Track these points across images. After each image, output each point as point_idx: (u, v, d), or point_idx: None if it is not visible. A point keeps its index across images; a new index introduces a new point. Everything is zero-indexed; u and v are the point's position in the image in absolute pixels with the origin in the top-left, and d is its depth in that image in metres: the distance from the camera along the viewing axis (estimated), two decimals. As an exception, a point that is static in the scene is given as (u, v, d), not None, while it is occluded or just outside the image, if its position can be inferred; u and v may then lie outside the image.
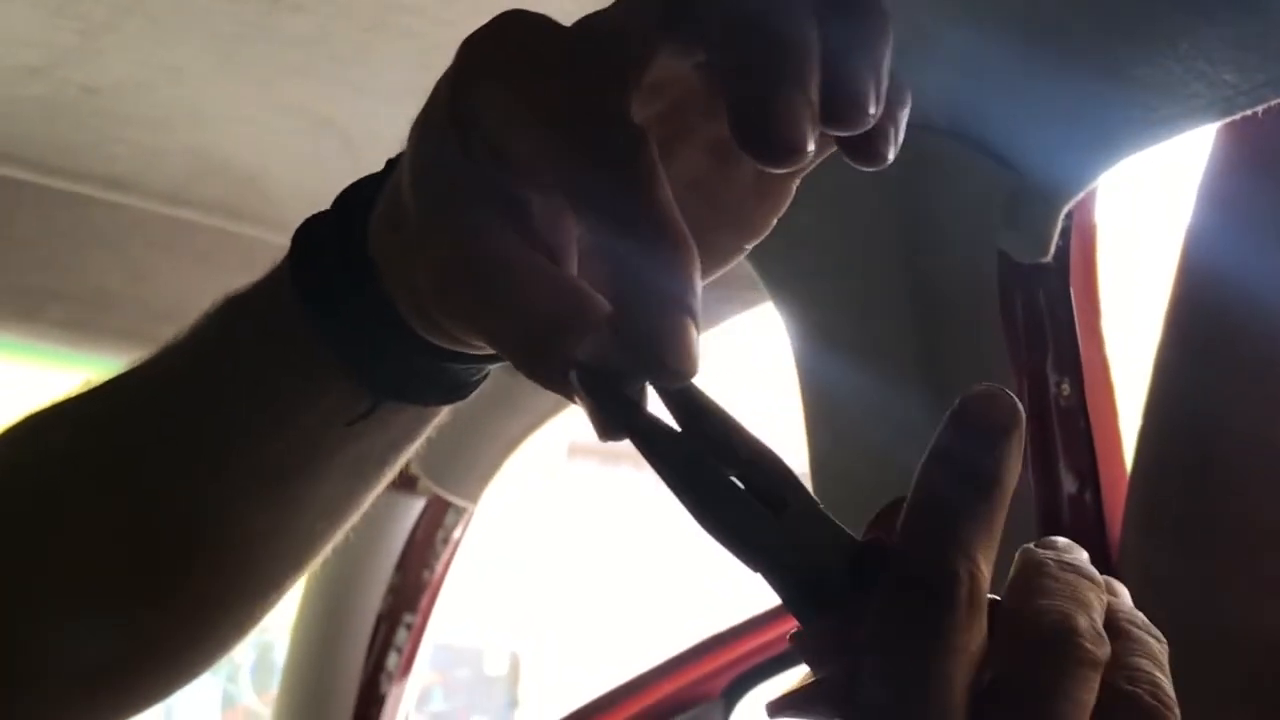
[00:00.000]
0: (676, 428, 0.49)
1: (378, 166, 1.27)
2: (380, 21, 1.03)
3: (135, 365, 0.68)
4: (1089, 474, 1.00)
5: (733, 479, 0.48)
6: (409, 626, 2.07)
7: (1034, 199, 0.94)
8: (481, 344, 0.60)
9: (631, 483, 9.43)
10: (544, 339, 0.51)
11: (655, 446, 0.49)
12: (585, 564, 8.58)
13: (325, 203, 1.40)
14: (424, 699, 7.69)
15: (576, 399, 0.51)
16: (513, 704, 8.10)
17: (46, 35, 1.13)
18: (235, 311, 0.67)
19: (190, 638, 0.73)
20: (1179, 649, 0.88)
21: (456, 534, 2.03)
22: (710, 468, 0.48)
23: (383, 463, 0.68)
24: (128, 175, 1.38)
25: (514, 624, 8.11)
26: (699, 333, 0.47)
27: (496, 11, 0.96)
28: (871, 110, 0.49)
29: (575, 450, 8.65)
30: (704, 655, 2.04)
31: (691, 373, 0.47)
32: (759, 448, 0.49)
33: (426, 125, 0.55)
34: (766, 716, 0.50)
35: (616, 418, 0.49)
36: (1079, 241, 1.00)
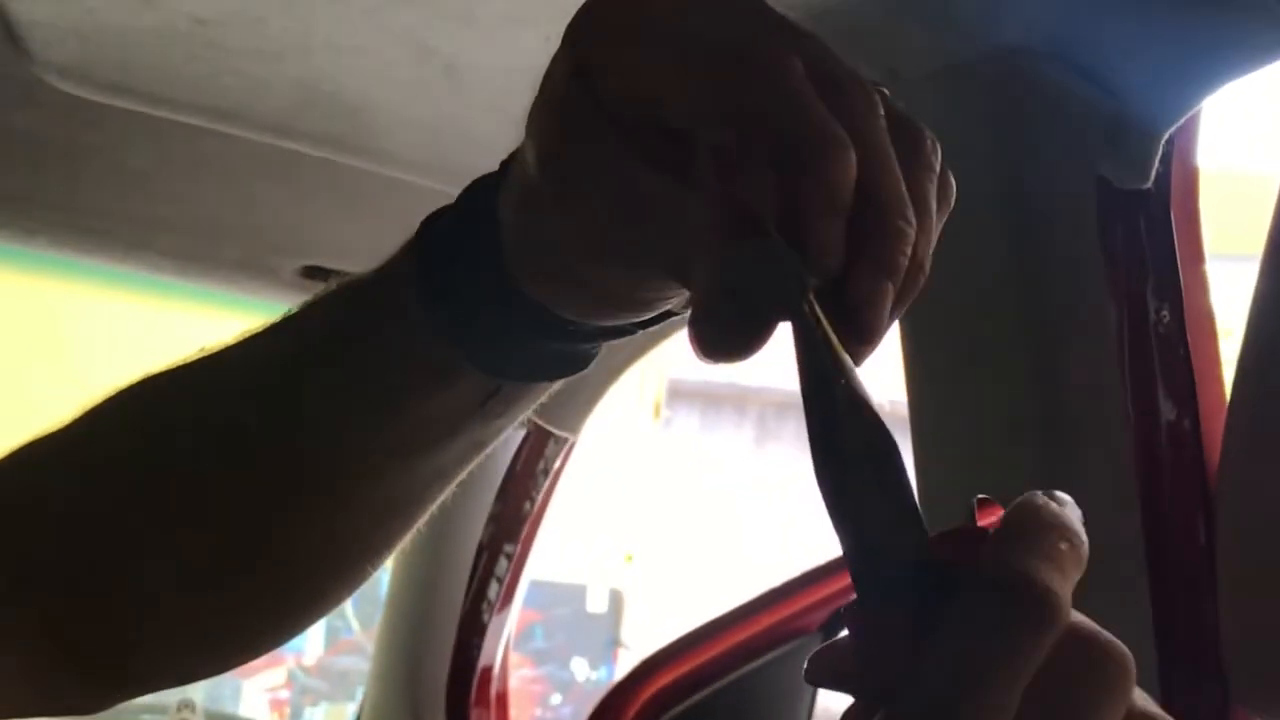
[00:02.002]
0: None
1: (482, 98, 1.29)
2: (483, -51, 1.04)
3: (251, 337, 0.71)
4: (1188, 401, 0.99)
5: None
6: (509, 556, 2.10)
7: (1135, 124, 0.93)
8: (646, 293, 0.62)
9: (733, 425, 9.44)
10: (709, 251, 0.53)
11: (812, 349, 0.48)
12: (687, 503, 8.60)
13: (429, 133, 1.42)
14: (525, 637, 7.75)
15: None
16: (614, 643, 8.13)
17: (159, -34, 1.15)
18: (357, 302, 0.70)
19: (301, 597, 0.76)
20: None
21: (557, 464, 2.05)
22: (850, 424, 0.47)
23: (500, 431, 0.71)
24: (238, 107, 1.40)
25: (616, 562, 8.13)
26: None
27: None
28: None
29: (676, 391, 8.66)
30: (802, 589, 2.04)
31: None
32: (885, 430, 0.47)
33: (548, 100, 0.57)
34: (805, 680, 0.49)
35: (794, 296, 0.49)
36: (1180, 167, 0.99)
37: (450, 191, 1.47)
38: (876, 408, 0.47)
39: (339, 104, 1.37)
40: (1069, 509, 0.47)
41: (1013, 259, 1.00)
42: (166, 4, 1.21)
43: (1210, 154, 0.99)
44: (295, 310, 0.71)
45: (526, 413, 0.72)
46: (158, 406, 0.73)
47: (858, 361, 0.50)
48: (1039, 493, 0.47)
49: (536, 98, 0.59)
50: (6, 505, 0.72)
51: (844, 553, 0.47)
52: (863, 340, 0.50)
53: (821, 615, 2.04)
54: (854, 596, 0.48)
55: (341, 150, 1.46)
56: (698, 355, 0.51)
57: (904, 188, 0.51)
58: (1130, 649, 0.90)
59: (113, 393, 0.73)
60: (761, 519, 8.78)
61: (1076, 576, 0.45)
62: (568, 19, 1.03)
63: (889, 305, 0.50)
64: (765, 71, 0.50)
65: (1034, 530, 0.45)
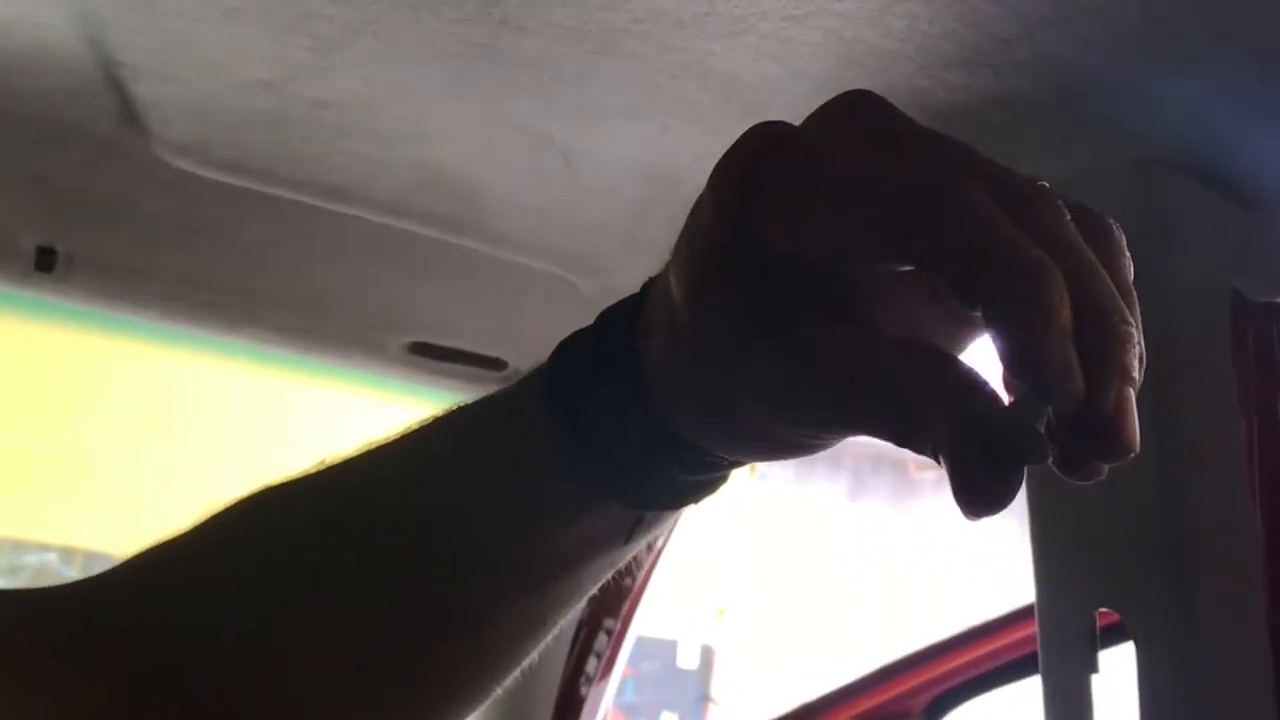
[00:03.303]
0: None
1: (597, 185, 1.28)
2: (605, 45, 1.03)
3: (374, 457, 0.69)
4: (1319, 517, 0.97)
5: None
6: (609, 632, 2.08)
7: (1270, 237, 0.91)
8: (812, 440, 0.60)
9: (827, 478, 9.38)
10: (921, 415, 0.51)
11: None
12: (780, 557, 8.55)
13: (542, 217, 1.41)
14: (615, 691, 7.72)
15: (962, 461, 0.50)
16: (704, 698, 8.08)
17: (280, 52, 1.15)
18: (490, 432, 0.68)
19: (434, 713, 0.73)
20: None
21: (660, 542, 2.03)
22: None
23: (635, 550, 0.69)
24: (352, 186, 1.40)
25: (708, 617, 8.10)
26: None
27: (718, 43, 0.96)
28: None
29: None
30: (905, 672, 2.02)
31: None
32: None
33: (702, 252, 0.55)
34: None
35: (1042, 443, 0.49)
36: (1317, 276, 0.97)
37: (559, 273, 1.47)
38: None
39: (454, 187, 1.37)
40: None
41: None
42: (285, 88, 1.22)
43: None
44: (419, 430, 0.69)
45: (665, 532, 0.70)
46: (278, 524, 0.72)
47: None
48: None
49: (684, 243, 0.57)
50: (123, 625, 0.71)
51: None
52: (1123, 452, 0.48)
53: (924, 699, 2.02)
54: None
55: (454, 231, 1.47)
56: (965, 517, 0.49)
57: (1114, 288, 0.50)
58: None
59: (230, 505, 0.72)
60: (855, 574, 8.70)
61: None
62: (683, 111, 1.03)
63: (1135, 409, 0.49)
64: (953, 207, 0.49)
65: None
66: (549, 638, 0.72)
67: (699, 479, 0.64)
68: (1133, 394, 0.48)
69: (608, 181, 1.29)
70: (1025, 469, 0.48)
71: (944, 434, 0.49)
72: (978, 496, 0.48)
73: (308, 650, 0.70)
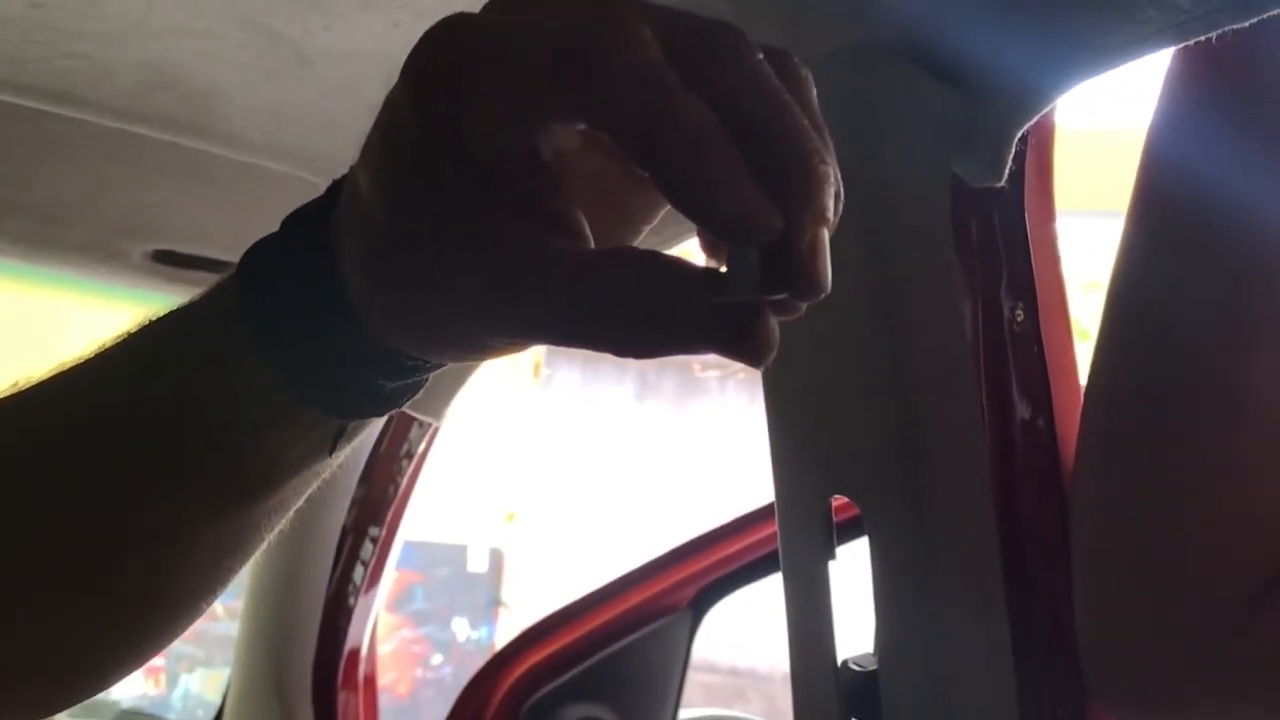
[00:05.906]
0: None
1: (332, 83, 1.25)
2: (330, -65, 1.01)
3: (64, 375, 0.67)
4: (1043, 400, 0.99)
5: None
6: (374, 540, 2.07)
7: (988, 122, 0.92)
8: (515, 346, 0.59)
9: (614, 381, 9.45)
10: (641, 321, 0.51)
11: None
12: (567, 462, 8.60)
13: (277, 118, 1.37)
14: (405, 598, 7.74)
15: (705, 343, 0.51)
16: (495, 602, 8.13)
17: (-11, -51, 1.10)
18: (177, 345, 0.66)
19: (137, 635, 0.72)
20: (1139, 570, 0.87)
21: (421, 448, 2.03)
22: None
23: (340, 458, 0.68)
24: (80, 89, 1.36)
25: (497, 521, 8.13)
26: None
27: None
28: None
29: (556, 350, 8.65)
30: (670, 566, 2.04)
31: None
32: None
33: (395, 141, 0.54)
34: None
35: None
36: (1035, 163, 0.98)
37: (301, 175, 1.44)
38: None
39: (184, 87, 1.33)
40: None
41: (865, 256, 0.98)
42: (-2, -13, 1.17)
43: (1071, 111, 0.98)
44: (112, 348, 0.67)
45: (366, 434, 0.70)
46: None
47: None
48: None
49: (376, 143, 0.55)
50: None
51: None
52: (819, 291, 0.50)
53: (690, 592, 2.04)
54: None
55: (189, 134, 1.43)
56: (753, 367, 0.53)
57: (806, 123, 0.50)
58: (986, 649, 0.90)
59: None
60: (641, 475, 8.79)
61: None
62: (413, 5, 1.00)
63: (827, 249, 0.50)
64: (610, 62, 0.49)
65: None
66: (256, 553, 0.71)
67: (402, 383, 0.63)
68: (826, 235, 0.49)
69: (344, 79, 1.26)
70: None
71: (698, 330, 0.51)
72: (751, 351, 0.51)
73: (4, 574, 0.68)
